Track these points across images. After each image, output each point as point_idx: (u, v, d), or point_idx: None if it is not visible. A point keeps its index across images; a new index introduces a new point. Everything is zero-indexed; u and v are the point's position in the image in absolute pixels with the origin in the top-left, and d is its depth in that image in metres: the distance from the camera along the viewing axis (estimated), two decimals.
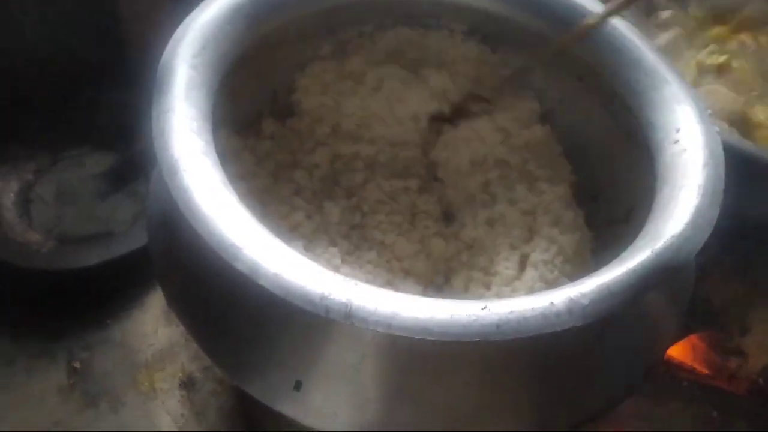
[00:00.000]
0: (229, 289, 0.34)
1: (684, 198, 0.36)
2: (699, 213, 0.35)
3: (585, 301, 0.31)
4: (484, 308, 0.31)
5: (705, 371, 0.66)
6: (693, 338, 0.68)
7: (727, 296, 0.66)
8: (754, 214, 0.56)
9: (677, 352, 0.67)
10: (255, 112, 0.52)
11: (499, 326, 0.30)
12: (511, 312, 0.30)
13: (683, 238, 0.34)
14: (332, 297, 0.31)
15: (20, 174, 0.73)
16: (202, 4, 0.43)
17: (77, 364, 0.63)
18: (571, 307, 0.31)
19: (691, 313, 0.65)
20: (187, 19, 0.42)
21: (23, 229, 0.69)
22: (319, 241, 0.45)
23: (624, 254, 0.34)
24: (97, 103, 0.76)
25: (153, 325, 0.65)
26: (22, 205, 0.71)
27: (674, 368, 0.65)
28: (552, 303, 0.31)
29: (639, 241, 0.35)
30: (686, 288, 0.41)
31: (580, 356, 0.35)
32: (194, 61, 0.40)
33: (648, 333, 0.38)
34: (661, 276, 0.33)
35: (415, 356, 0.34)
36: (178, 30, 0.42)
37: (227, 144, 0.46)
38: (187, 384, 0.62)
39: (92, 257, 0.65)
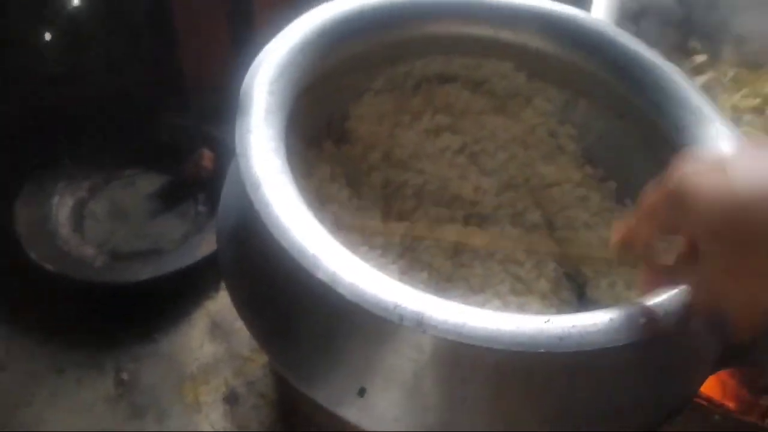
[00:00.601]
0: (305, 297, 0.36)
1: None
2: None
3: (643, 319, 0.33)
4: (548, 321, 0.33)
5: (735, 408, 0.67)
6: (722, 374, 0.68)
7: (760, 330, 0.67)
8: None
9: (706, 388, 0.67)
10: (314, 134, 0.55)
11: (561, 339, 0.32)
12: (573, 326, 0.33)
13: None
14: (406, 306, 0.33)
15: (75, 191, 0.76)
16: (278, 36, 0.46)
17: (125, 376, 0.65)
18: (630, 324, 0.33)
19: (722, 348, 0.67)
20: (265, 49, 0.45)
21: (77, 244, 0.72)
22: (379, 260, 0.48)
23: None
24: (151, 126, 0.80)
25: (199, 340, 0.68)
26: (77, 221, 0.74)
27: (704, 404, 0.66)
28: (611, 319, 0.33)
29: None
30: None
31: (632, 373, 0.37)
32: (271, 87, 0.43)
33: (694, 357, 0.40)
34: None
35: (475, 366, 0.36)
36: (256, 59, 0.45)
37: (294, 149, 0.49)
38: (231, 398, 0.64)
39: (142, 272, 0.68)
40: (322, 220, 0.38)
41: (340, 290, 0.34)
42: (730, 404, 0.67)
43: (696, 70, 0.69)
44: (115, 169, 0.79)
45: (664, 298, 0.34)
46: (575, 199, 0.58)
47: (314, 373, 0.38)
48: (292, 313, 0.38)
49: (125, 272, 0.69)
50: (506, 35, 0.54)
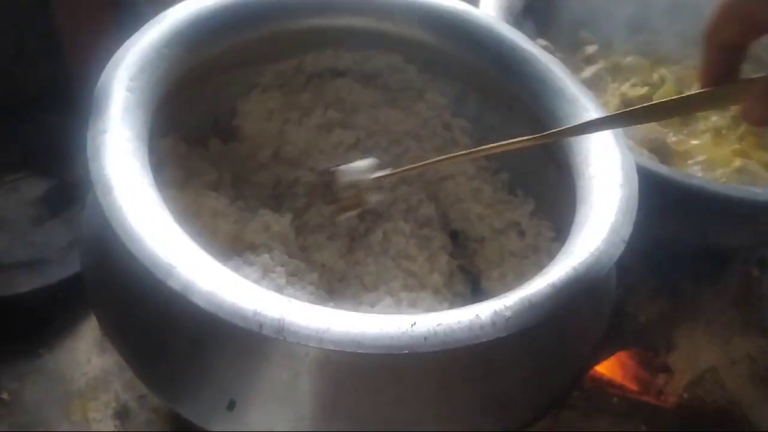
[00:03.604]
0: (162, 309, 0.34)
1: (600, 216, 0.38)
2: (614, 230, 0.37)
3: (508, 313, 0.32)
4: (413, 324, 0.32)
5: (634, 388, 0.69)
6: (622, 355, 0.70)
7: (654, 314, 0.69)
8: (671, 235, 0.60)
9: (607, 369, 0.69)
10: (200, 131, 0.53)
11: (426, 338, 0.31)
12: (439, 324, 0.32)
13: (599, 253, 0.36)
14: (265, 313, 0.31)
15: None
16: (142, 28, 0.44)
17: (6, 396, 0.60)
18: (495, 320, 0.32)
19: (620, 331, 0.68)
20: (127, 43, 0.43)
21: None
22: (265, 263, 0.46)
23: (545, 269, 0.36)
24: (34, 127, 0.75)
25: (86, 354, 0.64)
26: None
27: (604, 385, 0.68)
28: (477, 315, 0.32)
29: (560, 257, 0.37)
30: (606, 300, 0.43)
31: (506, 367, 0.36)
32: (131, 83, 0.40)
33: (572, 343, 0.40)
34: (579, 288, 0.35)
35: (348, 371, 0.34)
36: (117, 53, 0.42)
37: (172, 151, 0.47)
38: (122, 413, 0.60)
39: (25, 284, 0.64)
40: (199, 229, 0.36)
41: (196, 299, 0.32)
42: (631, 385, 0.69)
43: (587, 60, 0.70)
44: None
45: (530, 292, 0.34)
46: (469, 192, 0.57)
47: (181, 389, 0.36)
48: (154, 328, 0.36)
49: (6, 284, 0.64)
50: (390, 27, 0.53)
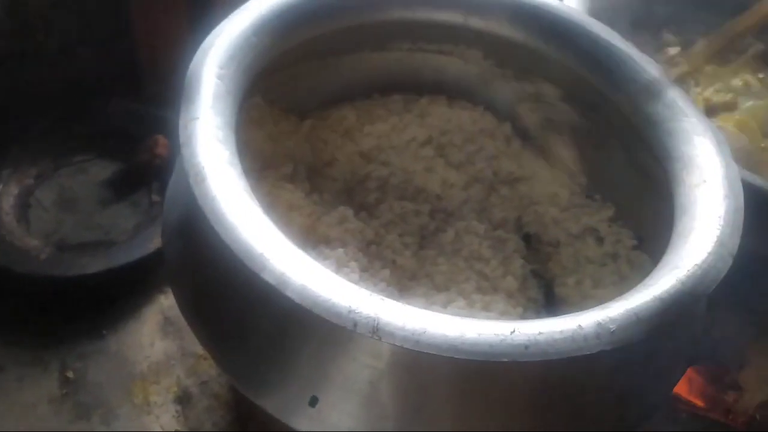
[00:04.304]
0: (252, 300, 0.34)
1: (705, 228, 0.36)
2: (720, 243, 0.35)
3: (613, 326, 0.31)
4: (513, 332, 0.31)
5: (701, 404, 0.66)
6: (690, 371, 0.68)
7: (727, 330, 0.66)
8: (748, 248, 0.57)
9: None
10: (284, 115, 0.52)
11: (527, 347, 0.30)
12: (540, 333, 0.30)
13: (706, 267, 0.34)
14: (360, 311, 0.31)
15: (21, 178, 0.72)
16: (230, 17, 0.43)
17: (70, 374, 0.61)
18: (599, 332, 0.31)
19: None
20: (215, 31, 0.42)
21: (21, 234, 0.67)
22: (338, 257, 0.45)
23: (648, 281, 0.34)
24: (104, 112, 0.76)
25: (150, 337, 0.64)
26: (22, 210, 0.70)
27: (672, 401, 0.65)
28: (580, 326, 0.31)
29: (661, 269, 0.35)
30: (701, 317, 0.41)
31: (604, 382, 0.35)
32: (221, 71, 0.40)
33: (669, 360, 0.39)
34: (685, 304, 0.33)
35: (436, 375, 0.33)
36: (205, 41, 0.42)
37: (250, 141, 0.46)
38: (183, 399, 0.61)
39: (91, 265, 0.64)
40: (275, 219, 0.35)
41: (289, 293, 0.31)
42: (697, 401, 0.67)
43: (669, 62, 0.67)
44: (64, 156, 0.74)
45: (636, 304, 0.32)
46: (545, 194, 0.56)
47: (263, 381, 0.35)
48: (239, 316, 0.35)
49: (72, 265, 0.65)
50: (476, 23, 0.52)
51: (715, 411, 0.66)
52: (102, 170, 0.75)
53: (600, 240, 0.52)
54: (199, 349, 0.63)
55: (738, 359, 0.67)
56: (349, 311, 0.31)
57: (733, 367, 0.67)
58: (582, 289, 0.51)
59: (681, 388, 0.67)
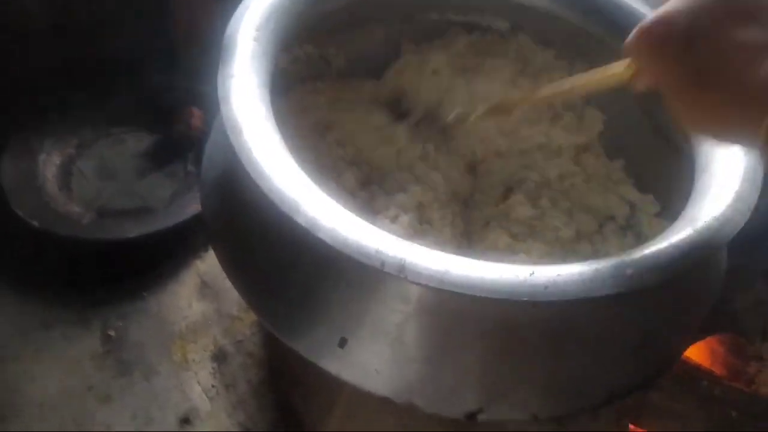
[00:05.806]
0: (286, 245, 0.36)
1: (724, 183, 0.37)
2: (739, 197, 0.36)
3: (630, 270, 0.32)
4: (533, 273, 0.32)
5: (723, 374, 0.67)
6: (712, 341, 0.68)
7: (750, 301, 0.66)
8: None
9: (695, 354, 0.67)
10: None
11: (547, 287, 0.31)
12: (559, 275, 0.32)
13: (723, 220, 0.35)
14: (387, 252, 0.32)
15: (63, 148, 0.75)
16: None
17: (112, 333, 0.64)
18: (616, 275, 0.32)
19: (713, 315, 0.66)
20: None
21: (64, 201, 0.71)
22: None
23: (666, 232, 0.35)
24: (142, 85, 0.79)
25: (187, 299, 0.67)
26: (64, 178, 0.73)
27: (692, 370, 0.66)
28: (597, 269, 0.32)
29: (680, 221, 0.36)
30: (718, 273, 0.42)
31: (620, 329, 0.36)
32: (257, 33, 0.42)
33: (684, 312, 0.40)
34: (701, 253, 0.34)
35: (459, 316, 0.35)
36: (241, 4, 0.44)
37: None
38: (219, 357, 0.63)
39: (131, 230, 0.67)
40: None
41: (321, 235, 0.33)
42: (719, 371, 0.67)
43: None
44: (103, 127, 0.78)
45: (653, 250, 0.33)
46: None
47: (296, 324, 0.38)
48: (274, 261, 0.38)
49: (113, 230, 0.68)
50: None
51: (736, 380, 0.66)
52: (139, 142, 0.78)
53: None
54: (235, 310, 0.66)
55: (762, 331, 0.67)
56: (377, 251, 0.32)
57: (756, 338, 0.67)
58: None
59: (703, 358, 0.68)
